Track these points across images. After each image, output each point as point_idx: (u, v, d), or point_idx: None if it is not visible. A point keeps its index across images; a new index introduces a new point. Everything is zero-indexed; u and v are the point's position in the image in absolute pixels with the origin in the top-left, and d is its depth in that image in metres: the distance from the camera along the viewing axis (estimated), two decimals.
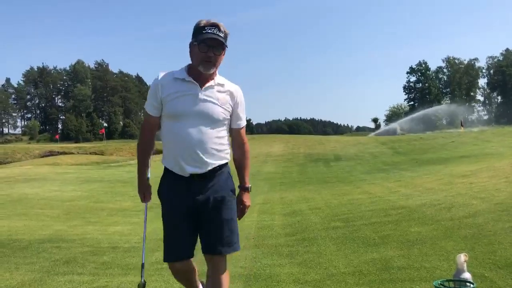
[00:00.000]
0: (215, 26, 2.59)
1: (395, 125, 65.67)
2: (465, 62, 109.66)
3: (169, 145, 2.67)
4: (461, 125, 45.71)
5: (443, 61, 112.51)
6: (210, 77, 2.66)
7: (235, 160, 2.89)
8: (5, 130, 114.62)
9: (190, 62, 2.70)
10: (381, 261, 4.32)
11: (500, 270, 3.69)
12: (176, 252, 2.67)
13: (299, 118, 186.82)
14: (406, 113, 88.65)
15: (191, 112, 2.59)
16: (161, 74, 2.69)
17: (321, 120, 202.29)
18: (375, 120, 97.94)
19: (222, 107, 2.67)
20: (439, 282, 3.03)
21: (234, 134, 2.85)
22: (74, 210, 10.18)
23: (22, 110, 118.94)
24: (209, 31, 2.56)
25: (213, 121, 2.64)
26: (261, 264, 4.64)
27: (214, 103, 2.63)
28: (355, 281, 3.84)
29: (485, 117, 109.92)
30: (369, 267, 4.19)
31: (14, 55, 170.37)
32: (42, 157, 44.55)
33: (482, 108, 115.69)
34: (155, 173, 3.03)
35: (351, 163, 20.63)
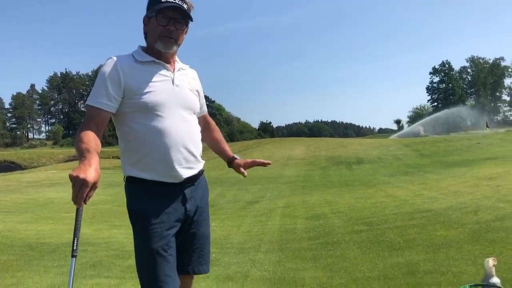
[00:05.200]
0: None
1: (418, 126, 64.69)
2: (490, 61, 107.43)
3: (149, 146, 2.03)
4: (486, 126, 44.79)
5: (467, 61, 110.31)
6: (173, 58, 2.19)
7: (213, 141, 2.53)
8: (30, 135, 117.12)
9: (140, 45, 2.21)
10: (407, 265, 4.27)
11: None
12: (172, 281, 2.05)
13: (320, 120, 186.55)
14: (430, 114, 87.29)
15: (173, 101, 2.09)
16: (114, 58, 2.07)
17: (342, 122, 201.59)
18: (398, 122, 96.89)
19: (195, 94, 2.25)
20: (467, 286, 2.98)
21: (203, 119, 2.44)
22: (99, 214, 10.34)
23: (46, 115, 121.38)
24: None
25: (194, 111, 2.22)
26: (285, 267, 4.64)
27: (189, 89, 2.20)
28: (380, 285, 3.80)
29: None
30: (394, 271, 4.15)
31: (38, 61, 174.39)
32: (66, 161, 45.47)
33: (508, 108, 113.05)
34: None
35: (374, 166, 20.43)
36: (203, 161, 2.27)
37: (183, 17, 2.09)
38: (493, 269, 3.03)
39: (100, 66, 2.16)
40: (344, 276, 4.16)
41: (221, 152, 2.54)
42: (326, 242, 5.70)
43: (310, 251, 5.30)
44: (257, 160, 2.49)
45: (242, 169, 2.45)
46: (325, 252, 5.18)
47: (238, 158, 2.50)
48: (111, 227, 8.44)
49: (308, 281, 4.10)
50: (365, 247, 5.23)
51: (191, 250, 2.22)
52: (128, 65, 2.06)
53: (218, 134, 2.57)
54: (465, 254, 4.39)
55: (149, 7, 2.12)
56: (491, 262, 3.04)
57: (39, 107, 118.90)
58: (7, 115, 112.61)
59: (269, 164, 2.49)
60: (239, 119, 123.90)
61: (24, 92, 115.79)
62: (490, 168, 12.74)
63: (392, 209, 7.66)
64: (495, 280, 3.00)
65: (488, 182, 9.40)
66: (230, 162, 2.50)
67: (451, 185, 10.18)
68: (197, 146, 2.18)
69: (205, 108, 2.45)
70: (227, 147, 2.56)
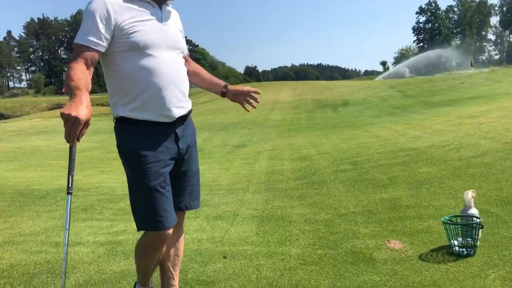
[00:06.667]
0: None
1: (403, 67, 64.54)
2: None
3: (141, 85, 2.03)
4: (471, 66, 44.92)
5: (454, 0, 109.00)
6: None
7: (202, 78, 2.51)
8: (11, 84, 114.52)
9: None
10: (390, 201, 4.43)
11: (507, 206, 3.78)
12: (171, 215, 2.13)
13: (305, 64, 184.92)
14: (415, 55, 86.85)
15: (163, 40, 2.08)
16: None
17: (328, 65, 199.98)
18: (383, 63, 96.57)
19: (180, 33, 2.25)
20: (447, 218, 3.13)
21: (185, 61, 2.38)
22: (86, 160, 10.36)
23: (26, 63, 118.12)
24: None
25: (181, 50, 2.22)
26: (273, 206, 4.78)
27: (176, 28, 2.20)
28: (364, 219, 3.96)
29: (496, 57, 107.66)
30: (378, 206, 4.31)
31: (14, 6, 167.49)
32: (50, 109, 44.89)
33: (493, 47, 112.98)
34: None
35: (360, 107, 20.56)
36: (190, 101, 2.29)
37: None
38: (472, 201, 3.17)
39: (80, 11, 2.09)
40: (330, 212, 4.31)
41: (213, 85, 2.51)
42: (312, 182, 5.85)
43: (297, 190, 5.45)
44: (249, 89, 2.48)
45: (240, 99, 2.47)
46: (311, 191, 5.33)
47: (229, 85, 2.50)
48: (100, 172, 8.50)
49: (295, 217, 4.25)
50: (350, 185, 5.38)
51: (183, 188, 2.28)
52: (117, 3, 2.00)
53: (203, 71, 2.54)
54: (446, 189, 4.56)
55: None
56: (470, 194, 3.18)
57: (18, 55, 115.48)
58: None
59: (257, 93, 2.49)
60: (224, 63, 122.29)
61: (1, 39, 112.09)
62: (474, 107, 12.91)
63: (376, 149, 7.81)
64: (473, 211, 3.15)
65: (471, 120, 9.56)
66: (224, 91, 2.48)
67: (435, 124, 10.35)
68: (186, 85, 2.20)
69: (186, 50, 2.42)
70: (216, 79, 2.53)
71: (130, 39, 1.99)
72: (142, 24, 2.02)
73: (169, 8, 2.22)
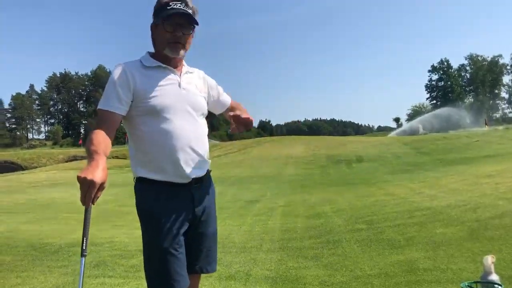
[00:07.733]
0: (181, 0, 2.17)
1: (417, 124, 64.66)
2: (489, 59, 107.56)
3: (158, 148, 2.10)
4: (485, 124, 44.87)
5: (466, 59, 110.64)
6: (180, 63, 2.27)
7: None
8: (30, 135, 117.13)
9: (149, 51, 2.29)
10: (407, 263, 4.33)
11: None
12: (184, 278, 2.11)
13: (319, 118, 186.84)
14: (429, 112, 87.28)
15: (180, 104, 2.16)
16: (122, 64, 2.16)
17: (341, 121, 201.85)
18: (396, 120, 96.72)
19: (202, 96, 2.31)
20: (466, 284, 3.04)
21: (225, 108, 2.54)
22: (100, 214, 10.37)
23: (45, 116, 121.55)
24: (175, 6, 2.13)
25: (201, 113, 2.27)
26: (287, 266, 4.69)
27: (196, 92, 2.27)
28: (381, 283, 3.86)
29: (511, 115, 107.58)
30: (394, 269, 4.21)
31: (38, 61, 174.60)
32: (66, 161, 45.48)
33: (507, 105, 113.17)
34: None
35: (374, 164, 20.47)
36: (210, 161, 2.32)
37: (189, 22, 2.17)
38: (492, 266, 3.09)
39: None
40: (346, 274, 4.21)
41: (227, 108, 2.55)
42: (327, 241, 5.76)
43: (312, 250, 5.36)
44: (241, 116, 2.25)
45: (232, 122, 2.28)
46: (326, 251, 5.24)
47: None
48: (113, 227, 8.48)
49: (309, 279, 4.16)
50: (366, 245, 5.29)
51: (199, 250, 2.28)
52: (135, 70, 2.14)
53: (236, 103, 2.60)
54: (464, 252, 4.45)
55: (155, 14, 2.19)
56: (490, 259, 3.10)
57: (39, 107, 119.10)
58: (7, 116, 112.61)
59: (250, 122, 2.29)
60: None
61: (24, 92, 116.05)
62: (489, 166, 12.79)
63: (392, 207, 7.72)
64: (494, 277, 3.05)
65: (487, 179, 9.45)
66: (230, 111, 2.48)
67: (451, 183, 10.24)
68: (204, 147, 2.24)
69: (224, 98, 2.50)
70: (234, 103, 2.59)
71: (148, 103, 2.10)
72: (158, 89, 2.13)
73: (191, 72, 2.32)
